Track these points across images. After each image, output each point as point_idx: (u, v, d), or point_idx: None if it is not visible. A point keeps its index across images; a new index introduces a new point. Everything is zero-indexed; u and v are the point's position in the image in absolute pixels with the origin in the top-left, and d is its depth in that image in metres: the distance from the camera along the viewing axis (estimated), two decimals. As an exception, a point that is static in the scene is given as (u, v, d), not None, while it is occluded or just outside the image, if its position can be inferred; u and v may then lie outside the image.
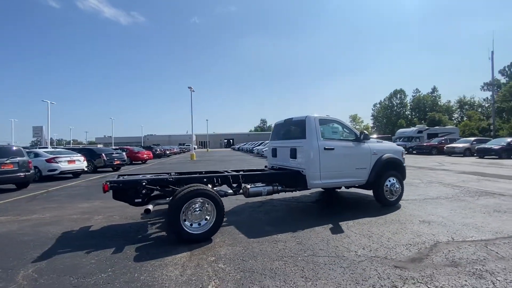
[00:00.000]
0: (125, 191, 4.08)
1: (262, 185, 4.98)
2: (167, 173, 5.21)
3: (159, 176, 4.58)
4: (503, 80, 45.44)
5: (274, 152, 6.23)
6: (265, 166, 6.71)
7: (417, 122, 47.81)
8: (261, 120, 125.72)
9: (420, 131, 28.67)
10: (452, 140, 23.93)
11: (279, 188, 5.10)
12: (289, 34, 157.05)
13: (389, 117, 57.82)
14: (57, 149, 12.36)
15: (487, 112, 43.96)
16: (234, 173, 4.95)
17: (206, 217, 3.85)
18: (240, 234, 3.99)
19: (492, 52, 33.55)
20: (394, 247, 3.39)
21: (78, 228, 4.42)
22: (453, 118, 49.91)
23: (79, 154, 11.65)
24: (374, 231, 3.99)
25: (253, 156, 26.76)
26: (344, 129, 5.59)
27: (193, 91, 24.74)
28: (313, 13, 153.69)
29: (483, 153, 18.87)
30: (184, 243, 3.64)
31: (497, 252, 3.17)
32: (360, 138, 5.41)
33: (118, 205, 5.91)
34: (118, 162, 14.29)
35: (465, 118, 46.43)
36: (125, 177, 4.59)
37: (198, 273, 2.80)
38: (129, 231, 4.27)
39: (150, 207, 3.87)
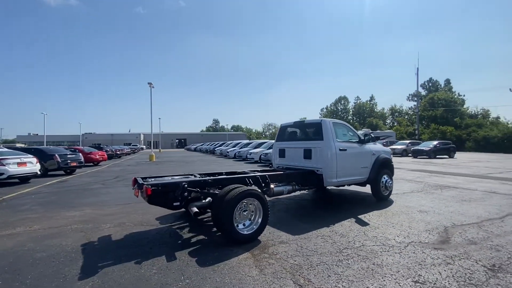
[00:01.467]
0: (165, 194, 3.81)
1: (283, 184, 5.19)
2: (185, 175, 5.01)
3: (197, 178, 4.38)
4: (423, 92, 54.81)
5: (281, 153, 6.47)
6: (269, 166, 6.90)
7: (358, 126, 53.82)
8: (213, 120, 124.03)
9: (366, 135, 32.36)
10: (392, 142, 27.78)
11: (296, 187, 5.40)
12: (242, 36, 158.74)
13: (335, 121, 63.95)
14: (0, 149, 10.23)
15: (412, 119, 52.31)
16: (262, 173, 5.03)
17: (250, 217, 3.88)
18: (281, 232, 4.12)
19: (417, 69, 40.00)
20: (418, 233, 3.99)
21: (97, 239, 3.91)
22: (386, 124, 58.07)
23: (30, 156, 9.88)
24: (392, 222, 4.59)
25: (217, 157, 26.38)
26: (349, 132, 6.18)
27: (153, 87, 23.14)
28: (269, 18, 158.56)
29: (417, 154, 22.44)
30: (235, 244, 3.61)
31: (491, 231, 4.04)
32: (364, 140, 6.07)
33: (116, 212, 5.46)
34: (75, 164, 12.54)
35: (395, 124, 54.62)
36: (152, 179, 4.26)
37: (276, 270, 2.88)
38: (162, 238, 3.99)
39: (196, 209, 3.71)
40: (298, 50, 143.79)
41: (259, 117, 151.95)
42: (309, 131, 6.04)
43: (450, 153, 22.41)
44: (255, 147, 21.54)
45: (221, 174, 5.25)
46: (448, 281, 2.62)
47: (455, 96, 49.00)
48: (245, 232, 3.70)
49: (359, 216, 4.93)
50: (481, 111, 46.66)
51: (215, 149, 31.30)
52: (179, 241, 3.85)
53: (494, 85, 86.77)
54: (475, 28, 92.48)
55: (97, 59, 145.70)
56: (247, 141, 28.28)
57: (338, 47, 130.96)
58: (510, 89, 34.49)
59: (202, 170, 14.00)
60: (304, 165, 5.80)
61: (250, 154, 19.24)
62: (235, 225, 3.62)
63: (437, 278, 2.67)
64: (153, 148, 25.01)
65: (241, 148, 24.03)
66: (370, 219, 4.74)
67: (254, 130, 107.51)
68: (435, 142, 22.99)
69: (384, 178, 6.27)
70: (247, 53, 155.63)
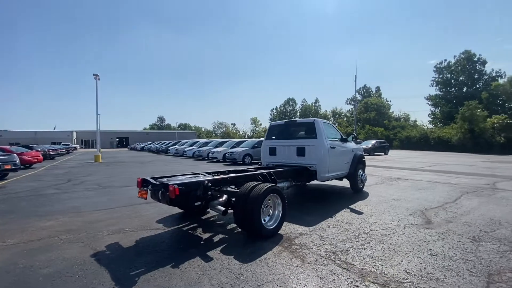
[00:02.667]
0: (187, 194, 3.64)
1: (282, 180, 5.45)
2: (191, 174, 4.83)
3: (218, 177, 4.28)
4: (359, 97, 62.18)
5: (272, 151, 6.71)
6: (259, 164, 7.07)
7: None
8: (158, 117, 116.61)
9: (349, 134, 35.17)
10: (338, 142, 30.77)
11: (293, 183, 5.74)
12: (190, 32, 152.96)
13: (284, 121, 67.41)
14: None
15: (350, 121, 58.82)
16: (268, 171, 5.16)
17: (272, 213, 4.02)
18: (294, 225, 4.35)
19: (355, 76, 44.92)
20: (405, 217, 4.73)
21: (105, 248, 3.50)
22: None
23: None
24: (379, 209, 5.29)
25: (173, 157, 25.05)
26: (335, 131, 6.78)
27: (99, 79, 20.62)
28: (221, 16, 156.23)
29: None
30: (261, 239, 3.70)
31: (455, 212, 5.04)
32: (346, 138, 6.75)
33: (102, 218, 4.96)
34: (9, 166, 10.41)
35: (336, 125, 60.72)
36: (165, 179, 4.00)
37: (316, 258, 3.12)
38: (180, 240, 3.81)
39: (223, 208, 3.66)
40: (248, 51, 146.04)
41: (208, 115, 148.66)
42: (301, 130, 6.43)
43: (385, 150, 26.02)
44: (216, 146, 21.28)
45: (223, 173, 5.21)
46: (452, 251, 3.25)
47: (384, 102, 57.07)
48: (270, 227, 3.82)
49: (351, 207, 5.52)
50: (403, 115, 55.65)
51: (169, 148, 29.64)
52: (201, 242, 3.74)
53: (412, 93, 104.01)
54: (398, 44, 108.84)
55: (23, 46, 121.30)
56: (205, 140, 27.67)
57: (285, 51, 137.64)
58: (425, 97, 41.78)
59: (168, 170, 13.25)
60: (297, 162, 6.15)
61: (212, 153, 18.91)
62: (262, 221, 3.71)
63: (443, 250, 3.28)
64: (89, 147, 22.26)
65: (200, 147, 23.38)
66: (361, 209, 5.36)
67: (203, 129, 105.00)
68: (373, 141, 26.39)
69: (360, 172, 7.09)
70: (195, 50, 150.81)
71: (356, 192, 6.96)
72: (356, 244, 3.52)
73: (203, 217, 4.89)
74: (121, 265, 3.00)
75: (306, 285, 2.55)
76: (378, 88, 64.73)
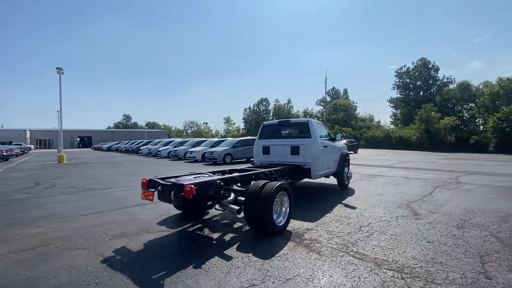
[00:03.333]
0: (201, 194, 3.59)
1: (280, 178, 5.60)
2: (196, 174, 4.76)
3: (227, 176, 4.25)
4: (328, 99, 65.11)
5: (266, 150, 6.82)
6: (252, 163, 7.14)
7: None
8: (124, 115, 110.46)
9: (337, 133, 36.19)
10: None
11: (289, 180, 5.93)
12: (157, 28, 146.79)
13: (257, 121, 67.63)
14: None
15: (320, 121, 61.46)
16: (269, 169, 5.25)
17: (278, 209, 4.13)
18: (298, 221, 4.50)
19: (326, 78, 46.97)
20: (395, 210, 5.16)
21: (113, 253, 3.32)
22: None
23: None
24: (369, 204, 5.68)
25: (145, 157, 23.92)
26: (325, 130, 7.10)
27: (63, 73, 18.91)
28: (192, 12, 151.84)
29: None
30: (272, 236, 3.80)
31: (434, 204, 5.61)
32: (335, 138, 7.11)
33: (94, 223, 4.69)
34: (-40, 170, 9.15)
35: (308, 125, 63.49)
36: (174, 179, 3.90)
37: (331, 251, 3.30)
38: (191, 241, 3.75)
39: (237, 206, 3.68)
40: (220, 49, 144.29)
41: (178, 114, 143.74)
42: (295, 129, 6.63)
43: (355, 149, 27.60)
44: (193, 146, 20.82)
45: (224, 172, 5.20)
46: (444, 238, 3.66)
47: (351, 103, 60.42)
48: (280, 224, 3.93)
49: (343, 202, 5.85)
50: (368, 116, 59.51)
51: (141, 148, 28.23)
52: (214, 242, 3.72)
53: (376, 95, 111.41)
54: (363, 48, 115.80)
55: None
56: (180, 139, 26.86)
57: (258, 51, 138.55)
58: (387, 99, 45.07)
59: (146, 171, 12.67)
60: (291, 160, 6.35)
61: (190, 153, 18.47)
62: (274, 218, 3.81)
63: (437, 238, 3.68)
64: (45, 147, 20.44)
65: (175, 146, 22.66)
66: (353, 204, 5.71)
67: (173, 128, 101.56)
68: (344, 141, 27.86)
69: (346, 169, 7.52)
70: (163, 46, 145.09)
71: (343, 189, 7.37)
72: (361, 236, 3.78)
73: (205, 218, 4.84)
74: (138, 270, 2.89)
75: (331, 276, 2.70)
76: (345, 90, 68.37)
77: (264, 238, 3.77)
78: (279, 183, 3.95)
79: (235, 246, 3.51)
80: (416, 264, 2.92)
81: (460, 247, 3.36)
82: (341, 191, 7.14)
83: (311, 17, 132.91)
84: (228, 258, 3.16)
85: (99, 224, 4.54)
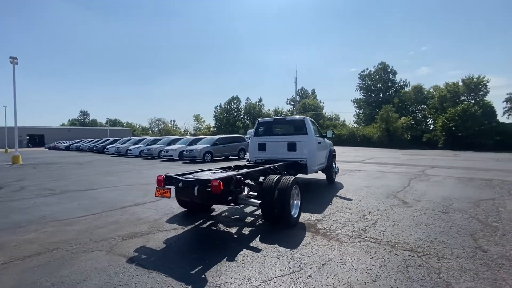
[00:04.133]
0: (225, 189, 3.61)
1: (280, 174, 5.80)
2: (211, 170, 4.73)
3: (244, 171, 4.31)
4: (297, 98, 67.38)
5: (262, 147, 6.96)
6: (247, 161, 7.23)
7: (251, 125, 59.50)
8: (81, 112, 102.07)
9: (328, 131, 36.75)
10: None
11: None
12: (118, 22, 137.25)
13: (228, 119, 67.25)
14: None
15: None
16: (274, 165, 5.39)
17: (293, 202, 4.31)
18: (306, 213, 4.74)
19: (296, 78, 48.54)
20: (386, 200, 5.68)
21: (136, 253, 3.20)
22: None
23: None
24: (361, 195, 6.16)
25: (114, 156, 22.42)
26: (317, 128, 7.45)
27: (17, 63, 16.85)
28: (151, 6, 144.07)
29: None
30: (288, 228, 3.98)
31: (415, 193, 6.27)
32: (326, 135, 7.51)
33: (96, 224, 4.50)
34: None
35: (279, 123, 65.14)
36: (192, 176, 3.86)
37: (348, 239, 3.58)
38: (211, 237, 3.76)
39: (257, 201, 3.78)
40: (187, 45, 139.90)
41: (141, 112, 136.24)
42: (291, 126, 6.88)
43: (326, 147, 29.08)
44: (168, 144, 20.10)
45: (230, 168, 5.24)
46: (438, 221, 4.18)
47: (319, 103, 63.24)
48: (294, 216, 4.12)
49: (338, 195, 6.25)
50: (334, 115, 62.90)
51: (107, 147, 26.35)
52: (235, 236, 3.78)
53: (340, 96, 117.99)
54: (329, 51, 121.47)
55: None
56: (153, 137, 25.65)
57: (226, 49, 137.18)
58: (351, 100, 48.01)
59: (116, 171, 11.94)
60: (288, 156, 6.59)
61: (166, 152, 17.81)
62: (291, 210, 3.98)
63: (432, 221, 4.18)
64: None
65: (148, 145, 21.62)
66: (347, 196, 6.14)
67: (137, 126, 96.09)
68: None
69: (334, 165, 8.00)
70: (125, 40, 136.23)
71: (331, 183, 7.82)
72: (368, 224, 4.14)
73: (213, 214, 4.84)
74: (172, 266, 2.86)
75: (359, 259, 2.97)
76: (313, 91, 71.28)
77: (281, 230, 3.93)
78: (293, 178, 4.14)
79: (257, 239, 3.62)
80: (424, 244, 3.33)
81: (452, 228, 3.89)
82: (330, 184, 7.59)
83: (278, 17, 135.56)
84: (257, 250, 3.26)
85: (102, 225, 4.29)
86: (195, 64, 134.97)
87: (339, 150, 28.30)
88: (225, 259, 2.99)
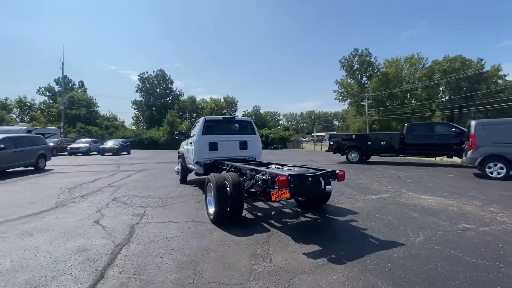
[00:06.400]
0: None
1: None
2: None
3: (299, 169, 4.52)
4: (57, 88, 51.43)
5: (213, 146, 6.53)
6: (196, 162, 6.37)
7: None
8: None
9: (29, 131, 24.75)
10: (68, 141, 24.99)
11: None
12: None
13: None
14: None
15: (51, 115, 46.79)
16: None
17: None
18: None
19: (63, 63, 38.03)
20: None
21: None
22: (13, 118, 45.07)
23: None
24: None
25: None
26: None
27: None
28: None
29: (104, 151, 23.31)
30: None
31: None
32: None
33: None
34: None
35: (28, 119, 44.82)
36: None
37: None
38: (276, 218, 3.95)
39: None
40: None
41: None
42: (240, 126, 7.08)
43: (128, 150, 26.43)
44: None
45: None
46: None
47: (92, 99, 53.02)
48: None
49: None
50: (111, 114, 56.25)
51: None
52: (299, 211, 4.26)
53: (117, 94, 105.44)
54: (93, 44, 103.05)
55: None
56: None
57: None
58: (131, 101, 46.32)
59: None
60: (240, 155, 6.91)
61: None
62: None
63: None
64: None
65: None
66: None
67: None
68: (120, 140, 25.64)
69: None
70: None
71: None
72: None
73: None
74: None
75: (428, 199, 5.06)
76: (82, 83, 58.24)
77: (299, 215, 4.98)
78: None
79: (313, 218, 4.47)
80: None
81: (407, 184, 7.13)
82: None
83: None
84: (330, 219, 4.24)
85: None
86: None
87: (141, 154, 26.92)
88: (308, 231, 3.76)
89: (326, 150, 16.31)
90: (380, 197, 5.95)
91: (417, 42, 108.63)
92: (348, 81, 57.30)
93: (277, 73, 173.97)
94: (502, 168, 7.65)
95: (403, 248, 3.15)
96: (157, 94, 58.08)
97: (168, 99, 59.17)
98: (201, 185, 7.63)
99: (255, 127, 7.39)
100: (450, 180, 8.04)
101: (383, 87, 51.18)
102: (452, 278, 2.48)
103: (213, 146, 6.62)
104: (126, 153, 25.70)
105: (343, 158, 14.66)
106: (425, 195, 6.06)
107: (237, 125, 7.22)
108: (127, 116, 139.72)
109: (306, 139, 70.39)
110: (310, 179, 3.78)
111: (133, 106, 57.89)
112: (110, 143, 24.66)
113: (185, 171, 7.85)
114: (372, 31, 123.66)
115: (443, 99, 53.62)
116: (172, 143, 42.76)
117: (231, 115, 48.11)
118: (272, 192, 3.41)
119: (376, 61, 55.40)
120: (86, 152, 22.87)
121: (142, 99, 57.46)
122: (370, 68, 55.69)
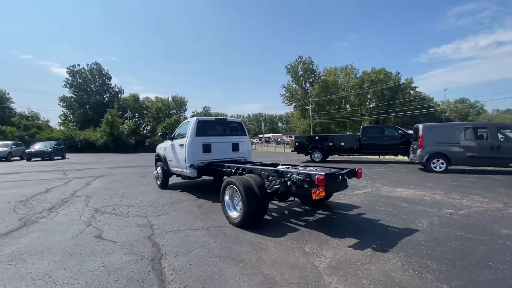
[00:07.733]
0: None
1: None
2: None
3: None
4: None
5: (207, 148, 6.24)
6: (190, 165, 5.97)
7: None
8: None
9: None
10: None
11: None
12: None
13: None
14: None
15: None
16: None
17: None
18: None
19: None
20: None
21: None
22: None
23: None
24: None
25: None
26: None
27: None
28: None
29: (31, 156, 19.59)
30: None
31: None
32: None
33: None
34: None
35: None
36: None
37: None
38: (289, 217, 4.19)
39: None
40: None
41: None
42: (231, 128, 6.90)
43: (63, 154, 22.77)
44: None
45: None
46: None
47: (3, 92, 43.33)
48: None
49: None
50: (31, 113, 47.07)
51: None
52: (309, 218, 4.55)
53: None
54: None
55: None
56: None
57: None
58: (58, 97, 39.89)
59: None
60: (232, 156, 6.79)
61: None
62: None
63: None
64: None
65: None
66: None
67: None
68: (53, 143, 21.81)
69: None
70: None
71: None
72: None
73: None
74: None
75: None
76: (-14, 72, 47.17)
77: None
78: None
79: (337, 211, 4.83)
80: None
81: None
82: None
83: None
84: (347, 215, 4.66)
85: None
86: None
87: (77, 157, 23.42)
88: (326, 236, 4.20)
89: (292, 151, 17.12)
90: (366, 192, 6.61)
91: (351, 52, 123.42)
92: (293, 86, 61.17)
93: (222, 75, 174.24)
94: (443, 163, 9.38)
95: (420, 233, 3.66)
96: (92, 90, 51.29)
97: (105, 96, 52.80)
98: (187, 189, 7.20)
99: (245, 128, 7.36)
100: (406, 174, 9.45)
101: (324, 93, 56.43)
102: (475, 252, 3.03)
103: (207, 148, 6.33)
104: (60, 157, 22.07)
105: (306, 158, 15.65)
106: (398, 188, 6.98)
107: (228, 126, 7.06)
108: (52, 114, 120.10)
109: (254, 140, 72.01)
110: (340, 177, 4.03)
111: (61, 103, 49.90)
112: (38, 146, 20.80)
113: (166, 175, 7.28)
114: (312, 40, 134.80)
115: (371, 106, 62.04)
116: (112, 146, 38.46)
117: (181, 115, 46.09)
118: (312, 191, 3.53)
119: (317, 69, 60.68)
120: (6, 158, 18.77)
121: (73, 95, 49.99)
122: (313, 75, 60.66)
